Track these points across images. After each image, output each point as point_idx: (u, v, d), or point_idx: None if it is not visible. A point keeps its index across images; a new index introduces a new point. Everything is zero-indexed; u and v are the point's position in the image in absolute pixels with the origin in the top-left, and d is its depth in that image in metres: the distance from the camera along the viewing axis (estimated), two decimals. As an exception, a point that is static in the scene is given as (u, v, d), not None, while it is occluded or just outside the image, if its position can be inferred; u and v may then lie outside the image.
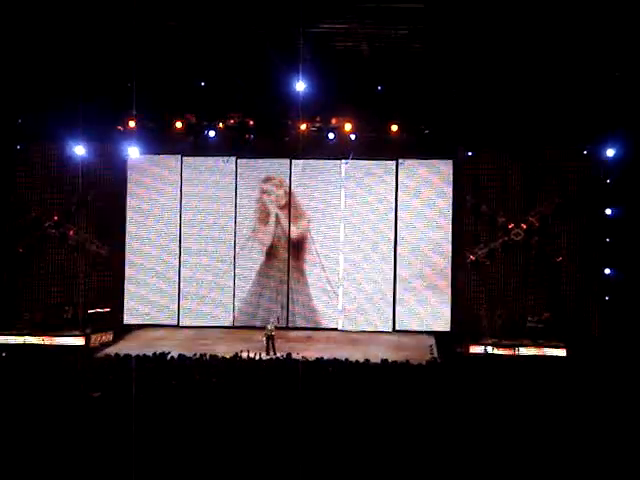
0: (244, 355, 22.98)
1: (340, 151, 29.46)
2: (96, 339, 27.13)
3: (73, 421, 14.16)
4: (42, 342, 26.20)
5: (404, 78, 26.32)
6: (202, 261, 30.35)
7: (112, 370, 19.97)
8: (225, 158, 30.18)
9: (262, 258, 30.35)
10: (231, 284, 30.24)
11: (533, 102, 25.86)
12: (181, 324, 30.17)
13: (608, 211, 28.00)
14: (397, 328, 29.65)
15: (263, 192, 30.40)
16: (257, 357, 23.39)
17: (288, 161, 30.11)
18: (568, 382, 19.66)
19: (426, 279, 29.59)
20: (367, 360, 21.87)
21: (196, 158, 30.34)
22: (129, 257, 30.29)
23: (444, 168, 29.50)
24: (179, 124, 28.80)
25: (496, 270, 28.85)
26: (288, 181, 30.20)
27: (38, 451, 13.67)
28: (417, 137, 28.69)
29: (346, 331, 29.65)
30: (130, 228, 30.31)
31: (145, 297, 30.25)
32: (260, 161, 30.27)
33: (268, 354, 25.06)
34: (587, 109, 25.70)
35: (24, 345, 26.01)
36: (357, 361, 21.82)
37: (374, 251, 29.92)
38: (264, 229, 30.39)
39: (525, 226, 28.31)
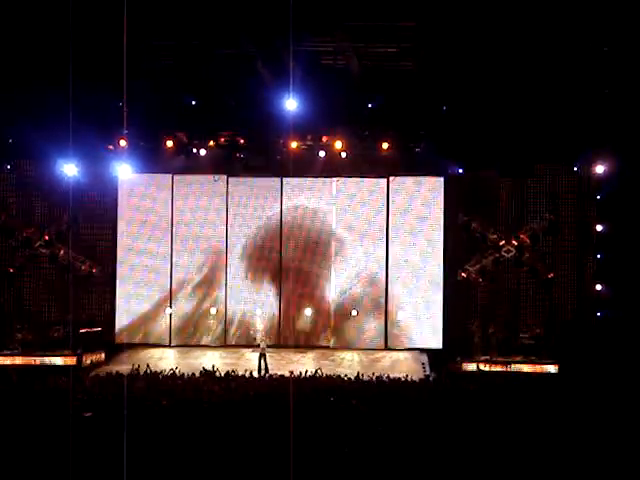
0: (237, 373, 22.97)
1: (331, 169, 29.52)
2: (88, 359, 27.02)
3: (65, 441, 14.07)
4: (33, 362, 26.03)
5: (395, 96, 26.39)
6: (194, 280, 30.26)
7: (104, 390, 19.89)
8: (216, 176, 30.13)
9: (254, 278, 30.31)
10: (223, 305, 30.17)
11: (523, 119, 25.94)
12: (172, 343, 30.05)
13: (599, 227, 28.12)
14: (389, 345, 29.61)
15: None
16: (249, 375, 23.37)
17: (279, 179, 30.10)
18: (560, 398, 19.67)
19: (418, 296, 29.57)
20: (359, 377, 21.86)
21: (187, 176, 30.27)
22: (120, 276, 30.16)
23: (435, 185, 29.53)
24: (170, 143, 28.81)
25: (487, 287, 28.83)
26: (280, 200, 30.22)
27: (29, 471, 13.60)
28: (408, 155, 28.79)
29: (338, 349, 29.56)
30: (121, 248, 30.19)
31: (136, 316, 30.11)
32: (251, 179, 30.25)
33: (260, 372, 24.98)
34: (577, 126, 25.81)
35: (15, 365, 25.88)
36: (349, 379, 21.82)
37: (366, 268, 29.87)
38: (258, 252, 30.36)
39: (516, 243, 28.26)
